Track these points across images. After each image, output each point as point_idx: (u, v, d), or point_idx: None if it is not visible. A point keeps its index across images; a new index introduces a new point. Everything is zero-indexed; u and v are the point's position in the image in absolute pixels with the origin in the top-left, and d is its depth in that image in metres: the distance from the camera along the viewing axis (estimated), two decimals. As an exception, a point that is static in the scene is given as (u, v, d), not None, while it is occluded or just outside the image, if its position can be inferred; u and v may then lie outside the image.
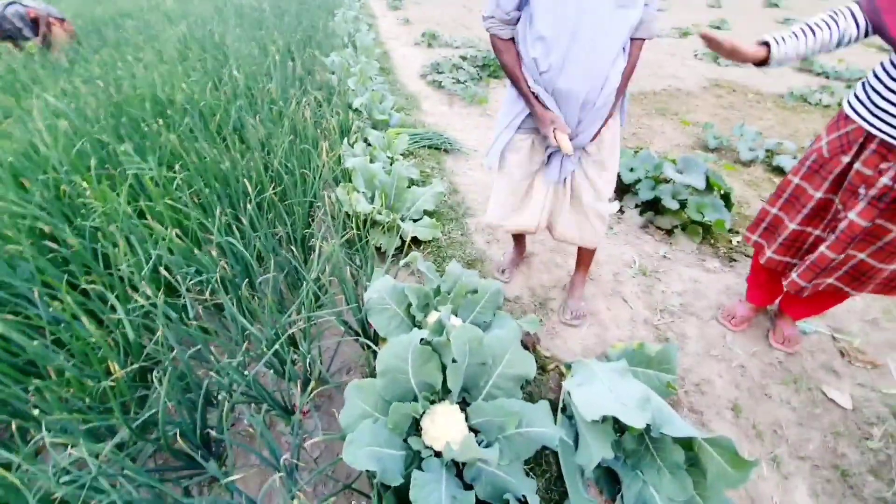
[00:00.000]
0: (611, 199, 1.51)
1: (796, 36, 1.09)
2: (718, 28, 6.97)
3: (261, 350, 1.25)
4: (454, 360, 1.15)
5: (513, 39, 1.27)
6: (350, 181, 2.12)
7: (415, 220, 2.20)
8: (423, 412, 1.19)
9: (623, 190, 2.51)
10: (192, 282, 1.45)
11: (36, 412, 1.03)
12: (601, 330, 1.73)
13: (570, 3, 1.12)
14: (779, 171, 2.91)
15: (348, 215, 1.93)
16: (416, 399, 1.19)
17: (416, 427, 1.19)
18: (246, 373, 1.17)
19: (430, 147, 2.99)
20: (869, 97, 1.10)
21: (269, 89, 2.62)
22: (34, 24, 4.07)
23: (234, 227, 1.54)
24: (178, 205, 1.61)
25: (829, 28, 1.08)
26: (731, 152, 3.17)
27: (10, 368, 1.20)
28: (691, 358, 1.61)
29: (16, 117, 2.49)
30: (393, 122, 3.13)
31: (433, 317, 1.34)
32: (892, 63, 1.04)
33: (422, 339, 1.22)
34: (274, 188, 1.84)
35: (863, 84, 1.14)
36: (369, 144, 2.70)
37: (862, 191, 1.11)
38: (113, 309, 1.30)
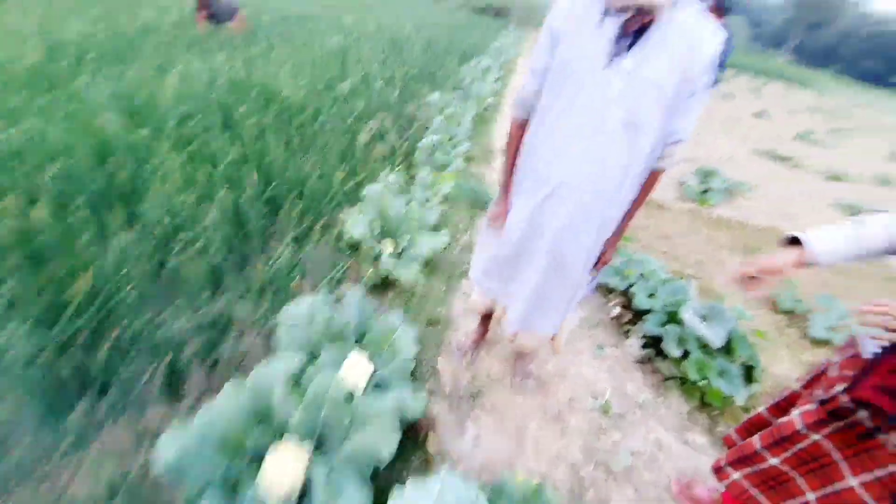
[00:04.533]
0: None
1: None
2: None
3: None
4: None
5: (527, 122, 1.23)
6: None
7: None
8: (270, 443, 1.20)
9: (636, 314, 2.26)
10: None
11: None
12: (517, 451, 1.56)
13: (577, 88, 1.04)
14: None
15: (341, 237, 2.07)
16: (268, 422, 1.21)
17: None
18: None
19: (474, 200, 3.05)
20: None
21: (356, 107, 2.95)
22: (234, 12, 5.20)
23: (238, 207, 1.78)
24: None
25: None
26: (803, 323, 2.65)
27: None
28: (593, 530, 1.36)
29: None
30: (452, 167, 3.27)
31: (329, 352, 1.36)
32: None
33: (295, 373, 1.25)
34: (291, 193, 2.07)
35: None
36: (412, 179, 2.86)
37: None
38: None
